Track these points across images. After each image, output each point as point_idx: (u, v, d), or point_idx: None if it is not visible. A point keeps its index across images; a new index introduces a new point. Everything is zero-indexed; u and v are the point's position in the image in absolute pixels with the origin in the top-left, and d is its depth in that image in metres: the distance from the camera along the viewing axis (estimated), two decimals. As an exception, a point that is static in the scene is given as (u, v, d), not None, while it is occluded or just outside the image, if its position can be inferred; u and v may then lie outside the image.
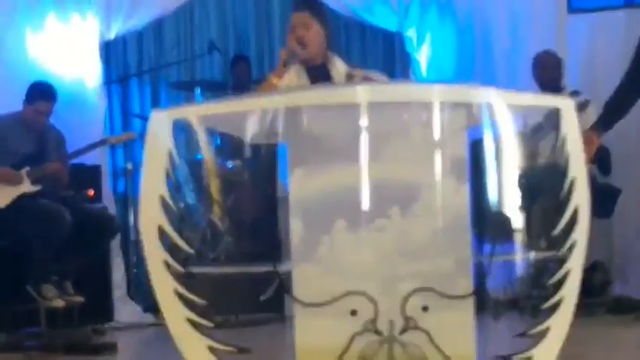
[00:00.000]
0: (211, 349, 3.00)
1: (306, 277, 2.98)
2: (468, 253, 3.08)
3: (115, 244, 6.76)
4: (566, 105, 3.14)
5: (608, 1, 6.26)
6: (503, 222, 3.24)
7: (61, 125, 6.45)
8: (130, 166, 6.95)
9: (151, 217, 3.00)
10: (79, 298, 5.98)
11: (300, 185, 3.00)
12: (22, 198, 5.95)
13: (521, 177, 3.18)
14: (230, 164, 6.25)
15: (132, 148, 7.14)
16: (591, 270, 6.09)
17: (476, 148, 3.11)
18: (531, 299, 3.55)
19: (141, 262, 6.49)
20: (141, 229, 3.05)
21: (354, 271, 2.97)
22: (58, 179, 6.21)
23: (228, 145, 6.07)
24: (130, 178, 6.97)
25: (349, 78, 4.19)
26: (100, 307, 6.45)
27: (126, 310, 6.78)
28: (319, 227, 2.97)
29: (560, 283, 3.12)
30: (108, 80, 7.38)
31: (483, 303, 3.21)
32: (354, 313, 2.96)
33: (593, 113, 5.59)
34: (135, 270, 6.95)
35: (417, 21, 7.55)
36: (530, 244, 3.28)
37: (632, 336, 5.46)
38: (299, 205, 2.99)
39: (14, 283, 5.84)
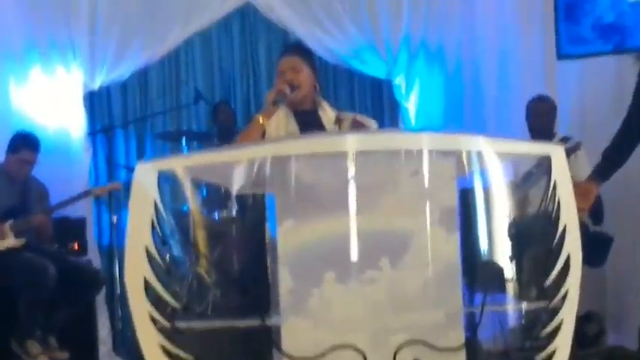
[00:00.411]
0: (198, 407, 2.95)
1: (296, 331, 2.93)
2: (459, 304, 3.04)
3: (101, 298, 6.69)
4: (556, 152, 3.12)
5: (597, 47, 6.28)
6: (494, 272, 3.20)
7: (45, 176, 6.41)
8: (115, 218, 6.89)
9: (136, 270, 2.95)
10: (64, 354, 5.91)
11: (288, 236, 2.95)
12: (5, 252, 5.89)
13: (511, 226, 3.15)
14: (217, 215, 6.20)
15: (117, 199, 7.08)
16: (585, 320, 6.05)
17: (466, 197, 3.08)
18: (524, 351, 3.50)
19: (126, 316, 6.43)
20: (126, 282, 3.00)
21: (344, 324, 2.92)
22: (42, 232, 6.16)
23: (214, 195, 6.04)
24: (115, 230, 6.91)
25: (338, 122, 4.15)
26: (85, 363, 6.36)
27: (112, 365, 6.69)
28: (308, 279, 2.92)
29: (553, 334, 3.09)
30: (92, 131, 7.35)
31: (475, 355, 3.17)
32: (344, 366, 2.91)
33: (584, 156, 5.59)
34: (120, 324, 6.87)
35: (405, 68, 7.56)
36: (521, 294, 3.24)
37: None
38: (287, 257, 2.95)
39: (-2, 338, 5.77)
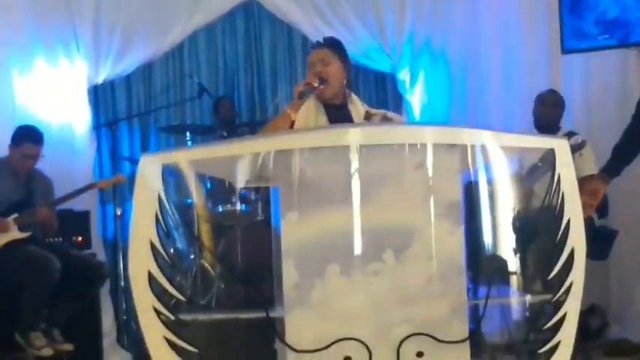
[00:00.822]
0: (202, 398, 2.95)
1: (299, 323, 2.94)
2: (463, 297, 3.04)
3: (105, 290, 6.70)
4: (560, 145, 3.12)
5: (601, 42, 6.27)
6: (498, 265, 3.21)
7: (49, 170, 6.42)
8: (119, 211, 6.90)
9: (140, 262, 2.95)
10: (68, 346, 5.91)
11: (292, 229, 2.96)
12: (9, 245, 5.89)
13: (515, 219, 3.15)
14: (220, 208, 6.20)
15: (121, 193, 7.09)
16: (588, 313, 6.06)
17: (470, 191, 3.08)
18: (528, 343, 3.50)
19: (130, 308, 6.44)
20: (130, 275, 3.00)
21: (347, 317, 2.92)
22: (47, 225, 6.16)
23: (218, 189, 6.04)
24: (119, 223, 6.92)
25: (368, 117, 4.13)
26: (90, 355, 6.36)
27: (115, 358, 6.70)
28: (312, 272, 2.93)
29: (556, 327, 3.09)
30: (97, 124, 7.36)
31: (479, 348, 3.17)
32: (347, 359, 2.91)
33: (590, 154, 5.59)
34: (124, 317, 6.88)
35: (409, 63, 7.55)
36: (525, 287, 3.24)
37: (629, 379, 5.42)
38: (291, 249, 2.95)
39: (2, 331, 5.77)
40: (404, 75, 7.57)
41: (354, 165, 2.94)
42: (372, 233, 2.95)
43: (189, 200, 3.09)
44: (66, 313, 5.99)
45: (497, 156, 3.03)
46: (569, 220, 3.08)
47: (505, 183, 3.08)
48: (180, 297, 2.98)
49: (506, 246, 3.17)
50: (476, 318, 3.12)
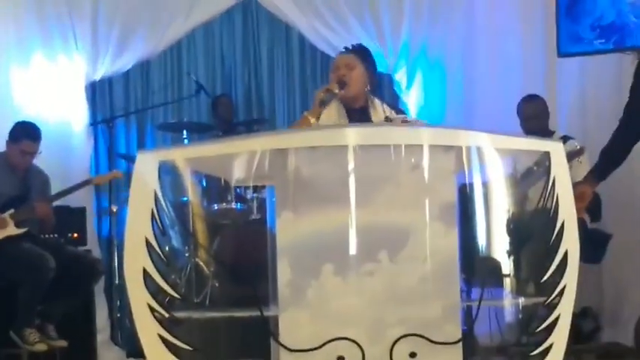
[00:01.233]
0: (195, 395, 2.96)
1: (293, 322, 2.94)
2: (457, 299, 3.05)
3: (99, 287, 6.69)
4: (555, 149, 3.13)
5: (598, 46, 6.27)
6: (492, 267, 3.22)
7: (47, 166, 6.41)
8: (115, 208, 6.90)
9: (135, 259, 2.96)
10: (62, 343, 5.90)
11: (287, 228, 2.97)
12: (5, 241, 5.89)
13: (510, 221, 3.16)
14: (216, 207, 6.21)
15: (117, 190, 7.08)
16: (581, 316, 6.06)
17: (465, 192, 3.09)
18: (520, 345, 3.51)
19: (125, 305, 6.44)
20: (125, 272, 3.01)
21: (341, 317, 2.93)
22: (44, 221, 6.15)
23: (214, 187, 6.05)
24: (115, 220, 6.92)
25: (387, 122, 4.16)
26: (84, 352, 6.35)
27: (109, 354, 6.68)
28: (307, 271, 2.93)
29: (549, 329, 3.09)
30: (94, 121, 7.35)
31: (472, 349, 3.18)
32: (340, 359, 2.92)
33: (586, 161, 5.59)
34: (119, 314, 6.88)
35: (406, 64, 7.55)
36: (519, 290, 3.25)
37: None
38: (286, 249, 2.96)
39: (-4, 327, 5.77)
40: (400, 76, 7.57)
41: (351, 165, 2.95)
42: (367, 233, 2.96)
43: (185, 198, 3.10)
44: (60, 309, 5.98)
45: (493, 158, 3.04)
46: (563, 223, 3.09)
47: (500, 185, 3.09)
48: (175, 295, 2.99)
49: (500, 248, 3.18)
50: (469, 320, 3.14)
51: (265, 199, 3.27)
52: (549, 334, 3.08)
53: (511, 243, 3.18)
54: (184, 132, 7.29)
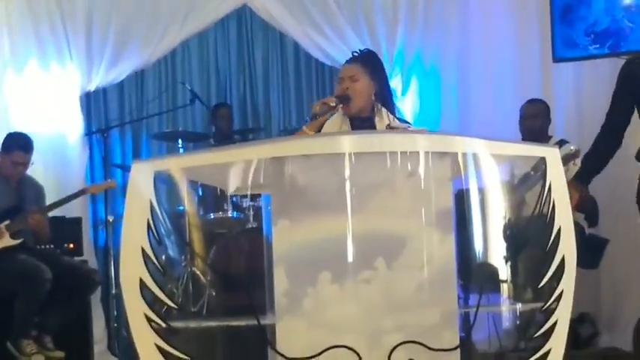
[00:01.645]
0: (193, 405, 2.95)
1: (290, 331, 2.93)
2: (454, 305, 3.04)
3: (96, 297, 6.68)
4: (551, 154, 3.12)
5: (593, 51, 6.29)
6: (489, 273, 3.21)
7: (42, 177, 6.41)
8: (110, 218, 6.89)
9: (131, 269, 2.95)
10: (59, 354, 5.90)
11: (284, 236, 2.96)
12: (1, 252, 5.88)
13: (506, 227, 3.16)
14: (212, 216, 6.21)
15: (113, 199, 7.08)
16: (579, 321, 6.07)
17: (461, 199, 3.08)
18: (518, 351, 3.51)
19: (122, 316, 6.43)
20: (121, 282, 3.00)
21: (338, 325, 2.92)
22: (39, 232, 6.14)
23: (210, 196, 6.04)
24: (111, 230, 6.91)
25: (388, 129, 4.15)
26: (81, 362, 6.35)
27: (106, 364, 6.69)
28: (303, 279, 2.93)
29: (547, 335, 3.08)
30: (89, 132, 7.35)
31: (469, 356, 3.17)
32: (338, 367, 2.92)
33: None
34: (116, 324, 6.87)
35: (401, 70, 7.55)
36: (516, 295, 3.25)
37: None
38: (283, 257, 2.95)
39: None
40: (396, 83, 7.57)
41: (347, 173, 2.94)
42: (363, 241, 2.95)
43: (181, 207, 3.10)
44: (57, 320, 5.97)
45: (489, 164, 3.03)
46: (559, 229, 3.08)
47: (496, 191, 3.08)
48: (172, 304, 2.98)
49: (497, 254, 3.18)
50: (467, 326, 3.13)
51: (261, 208, 3.27)
52: (547, 340, 3.07)
53: (508, 249, 3.18)
54: (179, 141, 7.28)
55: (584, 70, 6.71)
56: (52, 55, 7.02)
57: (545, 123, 6.25)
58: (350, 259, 2.94)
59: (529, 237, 3.27)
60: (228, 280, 3.35)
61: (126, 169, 6.82)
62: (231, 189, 2.98)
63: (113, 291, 6.82)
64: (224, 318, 3.21)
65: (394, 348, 2.93)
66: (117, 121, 7.85)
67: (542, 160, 3.11)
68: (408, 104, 7.53)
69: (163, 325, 2.94)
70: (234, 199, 6.06)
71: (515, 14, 7.21)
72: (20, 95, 6.91)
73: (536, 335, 3.11)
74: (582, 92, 6.81)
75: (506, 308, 3.27)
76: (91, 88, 7.25)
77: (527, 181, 3.22)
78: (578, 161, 5.26)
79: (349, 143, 2.97)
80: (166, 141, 7.67)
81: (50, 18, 7.03)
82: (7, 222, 5.97)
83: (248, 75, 8.31)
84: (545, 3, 6.71)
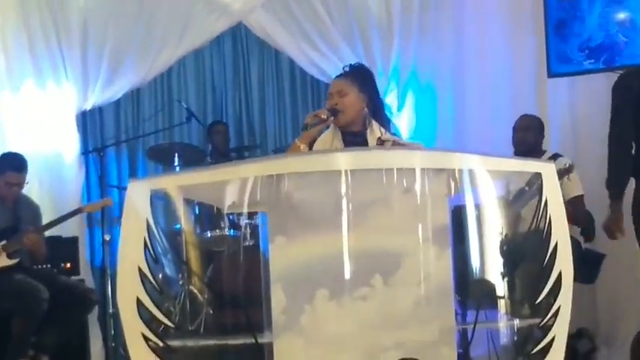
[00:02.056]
0: None
1: (288, 348, 2.93)
2: (451, 321, 3.04)
3: (93, 316, 6.67)
4: (547, 169, 3.13)
5: (588, 66, 6.32)
6: (487, 289, 3.21)
7: (38, 196, 6.40)
8: (107, 237, 6.88)
9: (128, 289, 2.95)
10: (56, 373, 5.89)
11: (280, 254, 2.96)
12: (-2, 273, 5.88)
13: (503, 243, 3.16)
14: (209, 234, 6.20)
15: (110, 219, 7.07)
16: (577, 337, 6.05)
17: (458, 215, 3.08)
18: (516, 367, 3.50)
19: (119, 335, 6.41)
20: (118, 301, 3.00)
21: (336, 342, 2.92)
22: (35, 251, 6.13)
23: (206, 214, 6.03)
24: (107, 249, 6.89)
25: (380, 144, 4.15)
26: (79, 382, 6.34)
27: (104, 384, 6.67)
28: (301, 296, 2.92)
29: (545, 351, 3.09)
30: (85, 150, 7.34)
31: (467, 372, 3.16)
32: (336, 384, 2.91)
33: (576, 178, 5.60)
34: (113, 343, 6.84)
35: (397, 86, 7.56)
36: (513, 311, 3.24)
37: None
38: (280, 274, 2.95)
39: (-10, 360, 5.75)
40: (391, 99, 7.58)
41: (343, 189, 2.95)
42: (360, 258, 2.95)
43: (178, 226, 3.10)
44: (54, 339, 5.95)
45: (485, 180, 3.04)
46: (556, 244, 3.09)
47: (492, 207, 3.09)
48: (169, 323, 2.97)
49: (494, 270, 3.17)
50: (464, 342, 3.12)
51: (258, 225, 3.26)
52: (545, 356, 3.07)
53: (505, 264, 3.18)
54: (176, 158, 7.24)
55: (579, 84, 6.72)
56: (48, 73, 7.02)
57: (538, 137, 6.24)
58: (347, 275, 2.94)
59: (526, 252, 3.27)
60: (226, 299, 3.34)
61: (122, 189, 6.81)
62: (227, 207, 2.98)
63: (110, 310, 6.80)
64: (222, 337, 3.20)
65: (392, 365, 2.93)
66: (113, 139, 7.84)
67: (538, 175, 3.11)
68: (404, 120, 7.53)
69: (161, 344, 2.93)
70: (230, 216, 6.04)
71: (510, 30, 7.22)
72: (16, 114, 6.90)
73: (534, 351, 3.11)
74: (577, 107, 6.82)
75: (504, 324, 3.26)
76: (87, 106, 7.24)
77: (522, 197, 3.22)
78: (572, 176, 5.27)
79: (345, 160, 2.98)
80: (162, 155, 7.60)
81: (46, 37, 7.03)
82: (3, 242, 5.96)
83: (244, 93, 8.33)
84: (539, 19, 6.74)
